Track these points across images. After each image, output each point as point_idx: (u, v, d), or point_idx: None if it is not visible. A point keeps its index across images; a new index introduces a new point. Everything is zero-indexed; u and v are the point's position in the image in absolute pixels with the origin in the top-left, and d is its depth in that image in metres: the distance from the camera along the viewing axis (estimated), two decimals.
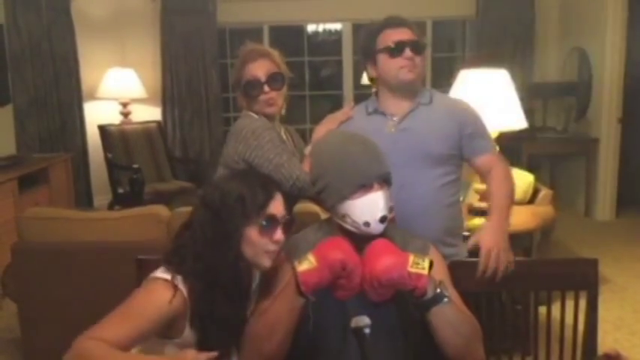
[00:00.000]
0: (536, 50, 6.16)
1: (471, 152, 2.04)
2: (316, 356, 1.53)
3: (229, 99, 6.17)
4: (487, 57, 5.35)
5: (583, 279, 1.82)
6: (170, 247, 1.52)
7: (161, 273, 1.45)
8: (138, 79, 5.91)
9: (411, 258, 1.37)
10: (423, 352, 1.53)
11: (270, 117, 2.09)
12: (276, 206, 1.49)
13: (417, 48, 1.98)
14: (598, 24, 5.42)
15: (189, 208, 1.60)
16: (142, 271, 1.61)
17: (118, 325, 1.35)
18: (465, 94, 2.73)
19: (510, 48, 6.03)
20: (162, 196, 5.01)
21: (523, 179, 3.69)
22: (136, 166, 5.11)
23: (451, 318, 1.42)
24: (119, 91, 5.84)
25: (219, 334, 1.46)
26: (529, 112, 4.37)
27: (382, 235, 1.50)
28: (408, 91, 2.02)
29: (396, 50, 1.96)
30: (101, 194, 5.92)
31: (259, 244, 1.47)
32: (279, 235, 1.48)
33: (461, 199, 2.19)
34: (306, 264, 1.37)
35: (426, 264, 1.37)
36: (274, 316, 1.43)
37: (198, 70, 6.05)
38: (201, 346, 1.41)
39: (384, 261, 1.36)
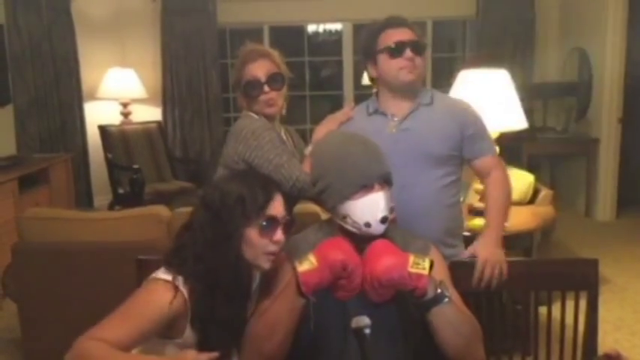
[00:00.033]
0: (536, 50, 6.16)
1: (471, 154, 2.04)
2: (317, 356, 1.53)
3: (229, 99, 6.16)
4: (487, 57, 5.34)
5: (583, 279, 1.83)
6: (170, 248, 1.52)
7: (162, 274, 1.45)
8: (138, 79, 5.91)
9: (412, 258, 1.37)
10: (423, 352, 1.53)
11: (270, 117, 2.08)
12: (277, 207, 1.49)
13: (418, 48, 1.98)
14: (598, 24, 5.42)
15: (189, 209, 1.60)
16: (143, 271, 1.61)
17: (118, 325, 1.35)
18: (465, 95, 2.73)
19: (510, 48, 6.03)
20: (163, 196, 5.01)
21: (523, 179, 3.69)
22: (136, 166, 5.11)
23: (451, 318, 1.42)
24: (119, 92, 5.84)
25: (220, 335, 1.46)
26: (529, 113, 4.37)
27: (383, 235, 1.50)
28: (409, 91, 2.02)
29: (397, 51, 1.96)
30: (101, 194, 5.92)
31: (259, 245, 1.47)
32: (279, 235, 1.48)
33: (461, 199, 2.20)
34: (307, 264, 1.36)
35: (427, 264, 1.37)
36: (275, 316, 1.43)
37: (199, 70, 6.05)
38: (202, 346, 1.41)
39: (384, 261, 1.36)
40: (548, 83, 6.09)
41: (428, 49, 2.06)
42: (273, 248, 1.48)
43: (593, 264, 1.83)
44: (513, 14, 6.00)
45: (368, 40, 2.04)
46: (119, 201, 5.31)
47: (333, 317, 1.48)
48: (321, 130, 2.02)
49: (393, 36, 1.98)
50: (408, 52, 1.96)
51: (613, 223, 5.50)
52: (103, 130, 5.62)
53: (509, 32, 6.05)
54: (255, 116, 2.07)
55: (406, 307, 1.48)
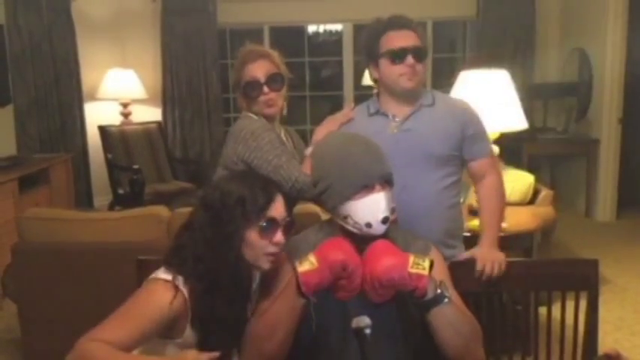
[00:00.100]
0: (536, 51, 6.16)
1: (469, 154, 2.05)
2: (317, 356, 1.53)
3: (230, 99, 6.16)
4: (487, 57, 5.35)
5: (583, 279, 1.83)
6: (170, 248, 1.52)
7: (162, 274, 1.45)
8: (138, 79, 5.91)
9: (412, 258, 1.37)
10: (423, 352, 1.53)
11: (269, 118, 2.08)
12: (277, 208, 1.49)
13: (419, 55, 1.97)
14: (598, 24, 5.42)
15: (189, 209, 1.60)
16: (143, 271, 1.61)
17: (119, 326, 1.35)
18: (465, 95, 2.73)
19: (511, 48, 6.03)
20: (163, 196, 5.00)
21: (523, 180, 3.69)
22: (136, 166, 5.11)
23: (451, 318, 1.42)
24: (119, 92, 5.84)
25: (220, 335, 1.46)
26: (529, 113, 4.37)
27: (384, 236, 1.50)
28: (409, 96, 2.02)
29: (398, 57, 1.95)
30: (101, 195, 5.92)
31: (259, 246, 1.47)
32: (279, 237, 1.48)
33: (461, 200, 2.20)
34: (307, 265, 1.36)
35: (427, 264, 1.37)
36: (275, 316, 1.43)
37: (199, 71, 6.05)
38: (202, 346, 1.41)
39: (384, 262, 1.36)
40: (549, 83, 6.10)
41: (429, 50, 2.05)
42: (273, 249, 1.48)
43: (594, 264, 1.83)
44: (513, 14, 6.00)
45: (370, 41, 2.02)
46: (119, 201, 5.31)
47: (334, 317, 1.48)
48: (322, 131, 2.02)
49: (395, 40, 1.97)
50: (410, 59, 1.95)
51: (613, 224, 5.50)
52: (103, 130, 5.61)
53: (510, 32, 6.04)
54: (255, 117, 2.07)
55: (406, 307, 1.48)
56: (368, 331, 1.41)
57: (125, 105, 5.91)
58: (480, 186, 2.08)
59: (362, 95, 5.70)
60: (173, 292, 1.41)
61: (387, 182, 1.53)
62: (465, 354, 1.47)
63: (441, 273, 1.55)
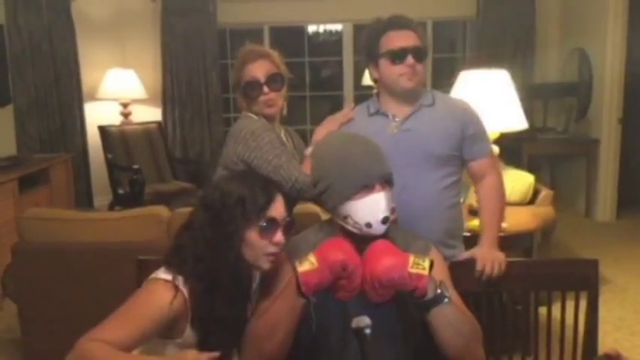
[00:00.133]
0: (536, 51, 6.16)
1: (469, 154, 2.05)
2: (317, 356, 1.53)
3: (230, 99, 6.16)
4: (487, 57, 5.35)
5: (583, 279, 1.83)
6: (170, 248, 1.52)
7: (162, 274, 1.45)
8: (138, 79, 5.91)
9: (412, 258, 1.37)
10: (423, 352, 1.53)
11: (269, 118, 2.08)
12: (277, 208, 1.49)
13: (420, 55, 1.97)
14: (598, 24, 5.42)
15: (189, 209, 1.60)
16: (143, 271, 1.61)
17: (119, 326, 1.35)
18: (465, 95, 2.73)
19: (511, 48, 6.03)
20: (163, 196, 5.00)
21: (523, 180, 3.69)
22: (136, 166, 5.11)
23: (451, 318, 1.42)
24: (119, 92, 5.84)
25: (220, 335, 1.46)
26: (529, 113, 4.37)
27: (384, 236, 1.50)
28: (409, 96, 2.02)
29: (398, 57, 1.95)
30: (101, 195, 5.92)
31: (259, 246, 1.47)
32: (279, 237, 1.48)
33: (461, 200, 2.20)
34: (307, 264, 1.36)
35: (427, 264, 1.37)
36: (275, 316, 1.43)
37: (199, 71, 6.05)
38: (202, 346, 1.41)
39: (384, 262, 1.36)
40: (549, 83, 6.10)
41: (429, 50, 2.05)
42: (273, 249, 1.48)
43: (594, 264, 1.83)
44: (514, 14, 6.00)
45: (370, 41, 2.02)
46: (119, 201, 5.31)
47: (334, 317, 1.48)
48: (321, 131, 2.02)
49: (395, 40, 1.96)
50: (410, 59, 1.95)
51: (613, 224, 5.50)
52: (103, 130, 5.62)
53: (510, 32, 6.05)
54: (255, 117, 2.07)
55: (406, 307, 1.48)
56: (368, 331, 1.40)
57: (125, 105, 5.91)
58: (480, 186, 2.08)
59: (362, 95, 5.70)
60: (173, 292, 1.41)
61: (387, 182, 1.53)
62: (465, 354, 1.47)
63: (441, 273, 1.55)
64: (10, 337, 3.33)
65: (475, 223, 2.84)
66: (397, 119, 2.01)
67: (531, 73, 6.08)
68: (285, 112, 2.16)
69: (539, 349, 1.88)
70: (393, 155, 1.62)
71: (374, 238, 1.47)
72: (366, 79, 5.46)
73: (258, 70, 2.04)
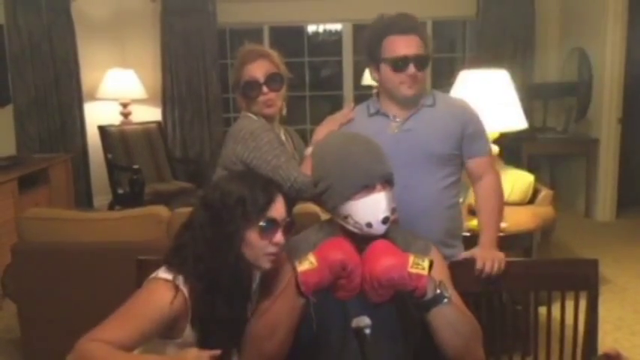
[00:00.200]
0: (536, 50, 6.16)
1: (468, 153, 2.05)
2: (317, 356, 1.53)
3: (229, 99, 6.16)
4: (487, 57, 5.35)
5: (583, 279, 1.83)
6: (170, 247, 1.52)
7: (162, 273, 1.45)
8: (138, 79, 5.91)
9: (411, 258, 1.37)
10: (423, 352, 1.53)
11: (269, 118, 2.08)
12: (277, 209, 1.49)
13: (422, 64, 1.95)
14: (598, 24, 5.42)
15: (189, 209, 1.60)
16: (142, 271, 1.61)
17: (119, 326, 1.35)
18: (465, 95, 2.73)
19: (510, 48, 6.03)
20: (163, 196, 5.00)
21: (523, 180, 3.69)
22: (136, 166, 5.11)
23: (451, 318, 1.42)
24: (119, 92, 5.84)
25: (220, 335, 1.46)
26: (529, 113, 4.37)
27: (384, 236, 1.50)
28: (409, 102, 2.01)
29: (399, 65, 1.93)
30: (101, 195, 5.92)
31: (259, 246, 1.47)
32: (279, 237, 1.48)
33: (461, 200, 2.20)
34: (307, 264, 1.36)
35: (426, 264, 1.37)
36: (275, 316, 1.43)
37: (199, 71, 6.05)
38: (202, 346, 1.41)
39: (384, 261, 1.36)
40: (548, 83, 6.10)
41: (431, 54, 2.03)
42: (273, 250, 1.48)
43: (593, 264, 1.83)
44: (513, 14, 6.00)
45: (372, 42, 1.99)
46: (119, 201, 5.31)
47: (334, 317, 1.48)
48: (321, 131, 2.02)
49: (398, 46, 1.93)
50: (411, 69, 1.93)
51: (613, 224, 5.50)
52: (103, 130, 5.61)
53: (510, 32, 6.04)
54: (254, 117, 2.06)
55: (406, 307, 1.48)
56: (368, 331, 1.40)
57: (125, 105, 5.90)
58: (478, 186, 2.07)
59: (362, 95, 5.70)
60: (173, 292, 1.41)
61: (387, 182, 1.53)
62: (464, 354, 1.47)
63: (441, 273, 1.54)
64: (9, 337, 3.33)
65: (475, 223, 2.84)
66: (398, 119, 2.01)
67: (531, 73, 6.08)
68: (284, 112, 2.16)
69: (538, 348, 1.88)
70: (393, 155, 1.62)
71: (374, 238, 1.47)
72: (366, 79, 5.47)
73: (258, 70, 2.04)
